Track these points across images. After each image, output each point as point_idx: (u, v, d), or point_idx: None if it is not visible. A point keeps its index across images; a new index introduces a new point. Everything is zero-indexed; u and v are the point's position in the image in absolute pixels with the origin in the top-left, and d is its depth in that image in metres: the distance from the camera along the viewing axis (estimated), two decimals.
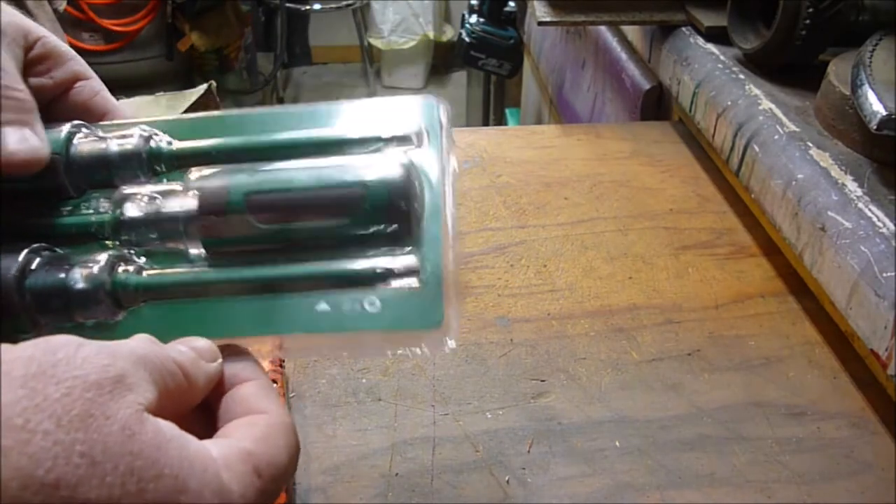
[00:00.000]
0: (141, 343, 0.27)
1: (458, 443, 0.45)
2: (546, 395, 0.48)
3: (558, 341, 0.52)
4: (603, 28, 0.97)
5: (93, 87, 0.38)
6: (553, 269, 0.59)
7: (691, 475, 0.44)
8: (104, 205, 0.34)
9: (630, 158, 0.73)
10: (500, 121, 1.75)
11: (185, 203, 0.32)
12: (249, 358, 0.32)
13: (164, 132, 0.35)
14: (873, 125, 0.49)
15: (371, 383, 0.49)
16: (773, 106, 0.61)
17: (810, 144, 0.56)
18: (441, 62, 3.41)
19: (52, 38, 0.36)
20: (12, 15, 0.34)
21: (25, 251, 0.31)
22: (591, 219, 0.64)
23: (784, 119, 0.59)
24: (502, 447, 0.45)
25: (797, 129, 0.58)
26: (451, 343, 0.31)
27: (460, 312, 0.33)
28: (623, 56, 0.90)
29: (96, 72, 0.38)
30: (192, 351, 0.29)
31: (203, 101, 0.84)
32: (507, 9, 1.32)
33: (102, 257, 0.32)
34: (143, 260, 0.33)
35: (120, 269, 0.32)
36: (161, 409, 0.26)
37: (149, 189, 0.34)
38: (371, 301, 0.31)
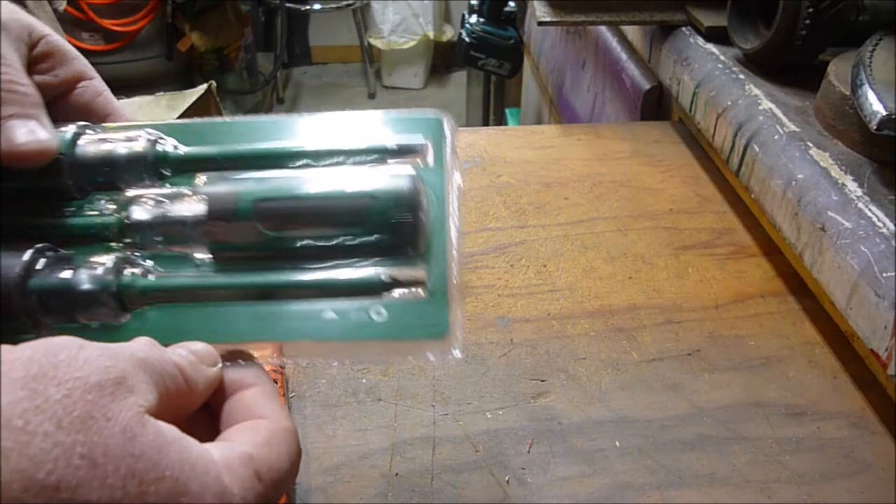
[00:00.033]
0: (142, 346, 0.27)
1: (458, 443, 0.45)
2: (546, 395, 0.48)
3: (558, 341, 0.52)
4: (603, 28, 0.97)
5: (96, 87, 0.37)
6: (553, 269, 0.59)
7: (691, 475, 0.44)
8: (109, 207, 0.34)
9: (630, 158, 0.73)
10: (500, 121, 1.75)
11: (193, 207, 0.32)
12: (254, 363, 0.32)
13: (169, 135, 0.35)
14: (873, 125, 0.49)
15: (371, 383, 0.49)
16: (773, 106, 0.61)
17: (810, 144, 0.56)
18: (441, 62, 3.41)
19: (56, 37, 0.36)
20: (16, 12, 0.34)
21: (30, 251, 0.31)
22: (591, 219, 0.64)
23: (784, 119, 0.59)
24: (502, 447, 0.45)
25: (797, 129, 0.58)
26: (457, 352, 0.32)
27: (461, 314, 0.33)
28: (623, 56, 0.90)
29: (97, 72, 0.38)
30: (193, 355, 0.29)
31: (203, 101, 0.84)
32: (507, 9, 1.32)
33: (108, 259, 0.32)
34: (148, 263, 0.33)
35: (126, 272, 0.32)
36: (161, 412, 0.26)
37: (155, 192, 0.34)
38: (378, 310, 0.31)
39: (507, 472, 0.43)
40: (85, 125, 0.35)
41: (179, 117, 0.81)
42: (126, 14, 2.27)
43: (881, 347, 0.44)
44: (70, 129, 0.34)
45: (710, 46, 0.72)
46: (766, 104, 0.62)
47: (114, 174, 0.34)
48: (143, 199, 0.33)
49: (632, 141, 0.76)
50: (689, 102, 0.71)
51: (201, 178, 0.34)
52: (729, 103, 0.64)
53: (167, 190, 0.34)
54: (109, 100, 0.38)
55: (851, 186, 0.51)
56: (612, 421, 0.47)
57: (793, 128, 0.58)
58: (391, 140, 0.34)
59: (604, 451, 0.45)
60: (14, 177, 0.33)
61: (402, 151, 0.34)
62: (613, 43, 0.93)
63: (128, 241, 0.33)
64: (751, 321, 0.54)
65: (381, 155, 0.34)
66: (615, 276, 0.58)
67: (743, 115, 0.62)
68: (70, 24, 2.17)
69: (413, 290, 0.32)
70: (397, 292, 0.32)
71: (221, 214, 0.32)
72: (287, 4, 2.85)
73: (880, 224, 0.47)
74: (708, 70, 0.69)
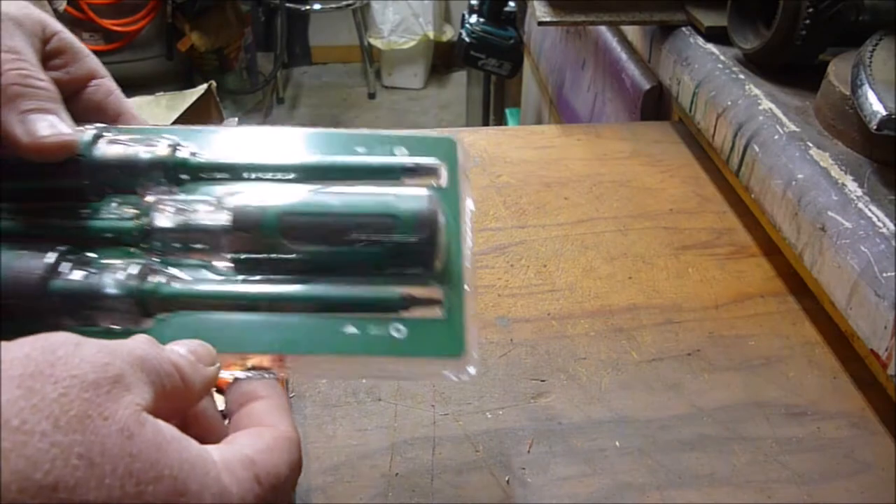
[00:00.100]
0: (139, 343, 0.27)
1: (458, 443, 0.45)
2: (546, 395, 0.48)
3: (558, 341, 0.52)
4: (603, 28, 0.97)
5: (108, 86, 0.37)
6: (553, 269, 0.59)
7: (691, 475, 0.44)
8: (128, 210, 0.34)
9: (630, 158, 0.73)
10: (500, 121, 1.75)
11: (217, 217, 0.33)
12: (268, 377, 0.32)
13: (187, 141, 0.36)
14: (873, 125, 0.49)
15: (371, 383, 0.49)
16: (773, 106, 0.61)
17: (810, 144, 0.56)
18: (441, 62, 3.41)
19: (68, 34, 0.36)
20: (28, 7, 0.34)
21: (55, 253, 0.31)
22: (591, 219, 0.64)
23: (784, 119, 0.59)
24: (502, 447, 0.45)
25: (797, 129, 0.58)
26: (472, 370, 0.32)
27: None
28: (623, 56, 0.90)
29: None
30: (191, 353, 0.29)
31: (203, 101, 0.84)
32: (507, 9, 1.32)
33: (133, 264, 0.32)
34: (172, 270, 0.33)
35: (151, 278, 0.32)
36: (157, 410, 0.25)
37: (178, 199, 0.34)
38: (397, 327, 0.32)
39: (507, 472, 0.43)
40: (104, 126, 0.35)
41: (179, 117, 0.81)
42: (126, 14, 2.27)
43: (881, 347, 0.44)
44: (90, 130, 0.35)
45: (710, 46, 0.72)
46: (766, 104, 0.62)
47: (133, 178, 0.34)
48: (166, 205, 0.34)
49: (632, 141, 0.76)
50: (689, 102, 0.71)
51: (226, 189, 0.34)
52: (729, 103, 0.64)
53: (191, 197, 0.34)
54: (121, 99, 0.38)
55: (851, 186, 0.51)
56: (612, 421, 0.47)
57: (793, 128, 0.58)
58: (408, 159, 0.36)
59: (604, 451, 0.45)
60: (32, 175, 0.33)
61: (418, 170, 0.36)
62: (613, 43, 0.93)
63: (149, 246, 0.33)
64: (751, 321, 0.54)
65: (398, 173, 0.36)
66: (615, 276, 0.58)
67: (743, 115, 0.62)
68: (70, 24, 2.17)
69: (430, 308, 0.33)
70: (415, 310, 0.33)
71: (246, 226, 0.32)
72: (287, 4, 2.85)
73: (880, 224, 0.47)
74: (708, 70, 0.69)
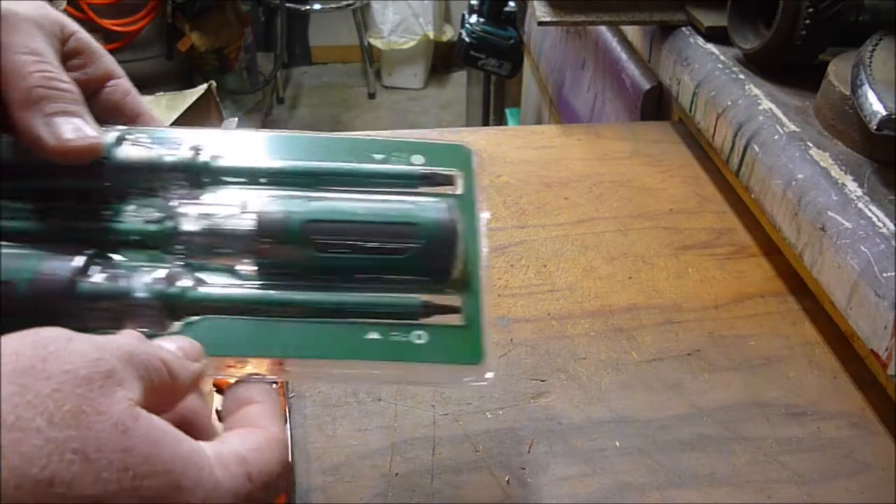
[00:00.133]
0: (128, 339, 0.27)
1: (458, 443, 0.45)
2: (546, 395, 0.48)
3: (558, 341, 0.52)
4: (603, 28, 0.97)
5: (125, 87, 0.37)
6: (553, 269, 0.59)
7: (691, 475, 0.44)
8: (152, 213, 0.34)
9: (630, 158, 0.73)
10: (500, 121, 1.75)
11: (243, 223, 0.33)
12: (264, 382, 0.32)
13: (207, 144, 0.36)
14: (873, 125, 0.49)
15: (371, 383, 0.49)
16: (773, 106, 0.61)
17: (810, 144, 0.56)
18: (441, 62, 3.41)
19: (85, 34, 0.35)
20: (46, 8, 0.34)
21: (83, 257, 0.31)
22: (591, 219, 0.64)
23: (784, 119, 0.59)
24: (502, 447, 0.45)
25: (797, 129, 0.58)
26: (490, 375, 0.33)
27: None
28: (623, 56, 0.90)
29: None
30: (178, 349, 0.29)
31: (203, 101, 0.84)
32: (507, 9, 1.32)
33: (161, 268, 0.32)
34: (199, 274, 0.33)
35: (179, 282, 0.32)
36: (146, 405, 0.25)
37: (204, 203, 0.34)
38: (418, 333, 0.33)
39: (507, 472, 0.43)
40: (126, 128, 0.35)
41: (179, 117, 0.81)
42: (126, 14, 2.27)
43: (881, 347, 0.44)
44: (113, 132, 0.35)
45: (710, 46, 0.72)
46: (766, 104, 0.62)
47: (155, 180, 0.34)
48: (191, 209, 0.34)
49: (632, 141, 0.76)
50: (689, 102, 0.71)
51: (249, 193, 0.35)
52: (729, 103, 0.64)
53: (216, 202, 0.34)
54: (139, 100, 0.38)
55: (851, 186, 0.51)
56: (612, 421, 0.47)
57: (793, 128, 0.58)
58: (425, 168, 0.36)
59: (604, 451, 0.45)
60: (55, 177, 0.33)
61: (435, 178, 0.36)
62: (613, 43, 0.93)
63: (173, 249, 0.33)
64: (751, 321, 0.54)
65: (415, 181, 0.36)
66: (615, 276, 0.58)
67: (743, 115, 0.62)
68: None
69: (449, 315, 0.33)
70: (435, 318, 0.33)
71: (270, 232, 0.33)
72: (287, 4, 2.85)
73: (880, 224, 0.47)
74: (708, 70, 0.69)
